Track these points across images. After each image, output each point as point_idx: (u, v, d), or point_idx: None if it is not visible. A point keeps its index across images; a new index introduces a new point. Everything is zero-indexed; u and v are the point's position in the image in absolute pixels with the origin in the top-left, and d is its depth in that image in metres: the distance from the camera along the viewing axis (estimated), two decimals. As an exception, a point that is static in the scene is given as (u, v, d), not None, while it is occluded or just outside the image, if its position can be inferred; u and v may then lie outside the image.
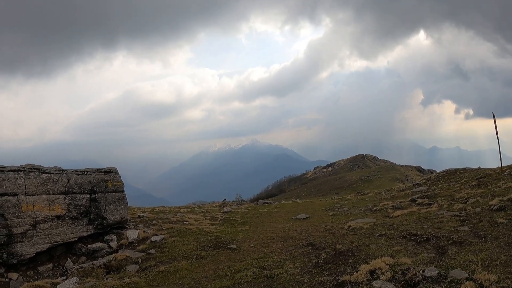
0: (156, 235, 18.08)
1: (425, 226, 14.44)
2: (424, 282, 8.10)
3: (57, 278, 14.86)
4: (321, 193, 73.75)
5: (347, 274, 9.44)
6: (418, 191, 25.97)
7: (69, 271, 15.97)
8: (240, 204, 39.29)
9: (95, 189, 19.00)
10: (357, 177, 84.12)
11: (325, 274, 10.19)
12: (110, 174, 19.94)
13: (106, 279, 12.87)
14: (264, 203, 38.71)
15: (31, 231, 16.49)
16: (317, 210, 26.14)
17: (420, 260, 9.93)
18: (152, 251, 15.79)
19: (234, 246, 15.32)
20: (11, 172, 16.52)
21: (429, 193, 23.93)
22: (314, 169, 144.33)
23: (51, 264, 17.04)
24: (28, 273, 16.20)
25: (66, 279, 13.66)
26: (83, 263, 16.50)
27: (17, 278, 15.42)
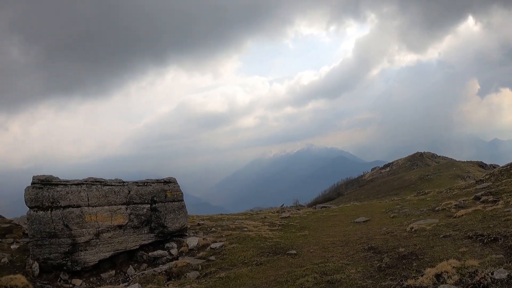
0: (216, 242, 18.24)
1: (491, 225, 13.64)
2: (493, 285, 7.65)
3: (119, 284, 15.38)
4: (380, 195, 72.20)
5: (412, 279, 9.08)
6: (482, 188, 24.80)
7: (130, 278, 16.40)
8: (298, 209, 39.05)
9: (155, 199, 19.50)
10: (416, 176, 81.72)
11: (388, 278, 9.86)
12: (169, 184, 20.40)
13: (167, 285, 13.13)
14: (322, 207, 38.39)
15: (94, 240, 17.16)
16: (377, 212, 25.53)
17: (488, 261, 9.38)
18: (212, 257, 15.93)
19: (294, 251, 15.19)
20: (74, 186, 17.29)
21: (493, 189, 22.84)
22: (371, 170, 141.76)
23: (114, 271, 17.62)
24: (91, 279, 16.83)
25: (128, 286, 14.09)
26: (144, 270, 16.95)
27: (81, 284, 16.08)
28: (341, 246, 15.30)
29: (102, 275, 17.26)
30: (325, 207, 38.01)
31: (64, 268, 16.64)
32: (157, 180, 20.31)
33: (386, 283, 9.51)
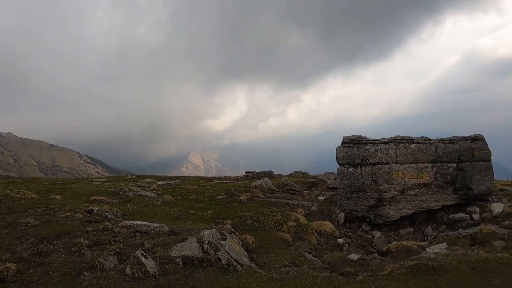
0: (527, 211, 17.03)
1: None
2: None
3: (417, 241, 15.69)
4: None
5: None
6: None
7: (429, 237, 16.70)
8: None
9: (462, 157, 19.00)
10: None
11: None
12: (477, 142, 19.52)
13: (473, 250, 12.90)
14: None
15: (399, 196, 18.07)
16: None
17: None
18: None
19: None
20: (382, 144, 18.37)
21: None
22: None
23: (412, 228, 18.28)
24: (390, 233, 17.90)
25: (430, 244, 14.36)
26: (443, 231, 16.98)
27: (380, 237, 17.28)
28: None
29: (400, 230, 18.15)
30: None
31: (367, 220, 18.17)
32: (464, 137, 19.69)
33: None
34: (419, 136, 19.33)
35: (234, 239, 11.88)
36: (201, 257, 9.93)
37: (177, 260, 9.62)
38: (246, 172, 30.96)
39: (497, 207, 17.97)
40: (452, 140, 19.35)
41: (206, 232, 10.86)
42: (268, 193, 21.19)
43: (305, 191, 23.42)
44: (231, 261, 9.93)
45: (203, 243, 10.47)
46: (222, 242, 10.74)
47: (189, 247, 10.52)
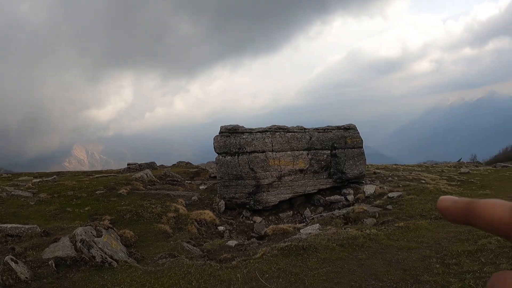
0: (393, 191, 18.30)
1: None
2: None
3: (296, 224, 16.43)
4: None
5: None
6: None
7: (307, 219, 17.46)
8: (477, 166, 36.88)
9: (335, 145, 20.19)
10: None
11: None
12: (349, 130, 20.87)
13: (345, 228, 13.68)
14: (503, 166, 35.76)
15: (276, 182, 18.66)
16: None
17: None
18: (389, 206, 16.09)
19: (475, 210, 14.69)
20: (259, 133, 18.83)
21: None
22: None
23: (291, 212, 19.10)
24: (270, 218, 18.50)
25: (306, 225, 15.03)
26: (321, 213, 17.89)
27: (260, 221, 17.78)
28: (527, 212, 14.29)
29: (280, 214, 18.82)
30: (507, 166, 35.31)
31: (247, 206, 18.57)
32: (337, 126, 20.86)
33: None
34: (295, 126, 20.08)
35: (112, 234, 11.48)
36: (75, 256, 9.44)
37: (50, 262, 9.05)
38: (128, 164, 30.08)
39: (370, 189, 19.19)
40: (326, 129, 20.46)
41: (79, 230, 10.35)
42: (149, 185, 20.77)
43: (186, 181, 23.29)
44: (106, 258, 9.55)
45: (76, 241, 9.96)
46: (96, 239, 10.29)
47: (62, 247, 9.96)
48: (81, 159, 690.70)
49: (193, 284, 8.49)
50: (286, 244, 10.71)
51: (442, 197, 1.17)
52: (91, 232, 10.55)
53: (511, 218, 1.17)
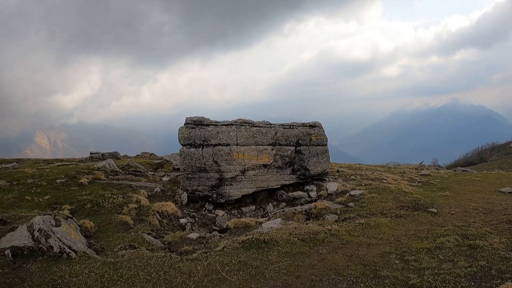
0: (355, 189, 18.54)
1: None
2: None
3: (258, 218, 16.46)
4: (532, 167, 66.36)
5: None
6: None
7: (269, 214, 17.55)
8: (437, 169, 37.76)
9: (300, 141, 20.37)
10: None
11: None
12: (314, 128, 21.06)
13: (307, 224, 13.84)
14: (463, 170, 36.73)
15: (240, 176, 18.69)
16: (527, 185, 23.80)
17: None
18: (351, 204, 16.32)
19: (434, 210, 14.95)
20: (224, 126, 18.81)
21: None
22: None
23: (254, 206, 19.14)
24: (233, 211, 18.50)
25: (268, 220, 15.13)
26: (283, 208, 18.00)
27: (223, 215, 17.75)
28: (483, 213, 14.61)
29: (243, 208, 18.85)
30: (466, 171, 36.29)
31: (210, 199, 18.51)
32: (303, 123, 21.04)
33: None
34: (260, 120, 20.13)
35: (71, 224, 11.22)
36: (32, 246, 9.23)
37: (6, 252, 8.83)
38: (91, 153, 29.54)
39: (332, 186, 19.40)
40: (292, 126, 20.61)
41: (37, 219, 10.08)
42: (111, 175, 20.45)
43: (150, 172, 23.04)
44: (64, 248, 9.35)
45: (33, 230, 9.70)
46: (54, 228, 10.04)
47: (19, 237, 9.69)
48: (43, 147, 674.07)
49: (153, 275, 8.43)
50: (247, 237, 10.77)
51: None
52: (50, 222, 10.29)
53: None
